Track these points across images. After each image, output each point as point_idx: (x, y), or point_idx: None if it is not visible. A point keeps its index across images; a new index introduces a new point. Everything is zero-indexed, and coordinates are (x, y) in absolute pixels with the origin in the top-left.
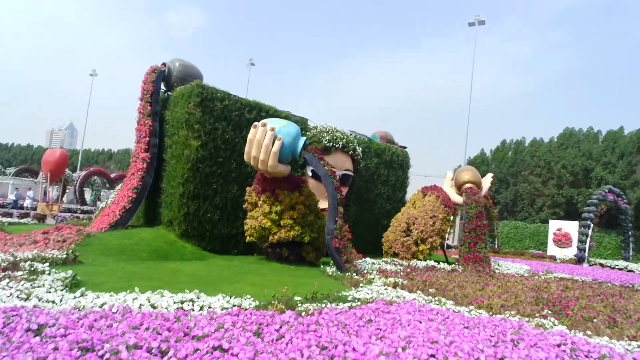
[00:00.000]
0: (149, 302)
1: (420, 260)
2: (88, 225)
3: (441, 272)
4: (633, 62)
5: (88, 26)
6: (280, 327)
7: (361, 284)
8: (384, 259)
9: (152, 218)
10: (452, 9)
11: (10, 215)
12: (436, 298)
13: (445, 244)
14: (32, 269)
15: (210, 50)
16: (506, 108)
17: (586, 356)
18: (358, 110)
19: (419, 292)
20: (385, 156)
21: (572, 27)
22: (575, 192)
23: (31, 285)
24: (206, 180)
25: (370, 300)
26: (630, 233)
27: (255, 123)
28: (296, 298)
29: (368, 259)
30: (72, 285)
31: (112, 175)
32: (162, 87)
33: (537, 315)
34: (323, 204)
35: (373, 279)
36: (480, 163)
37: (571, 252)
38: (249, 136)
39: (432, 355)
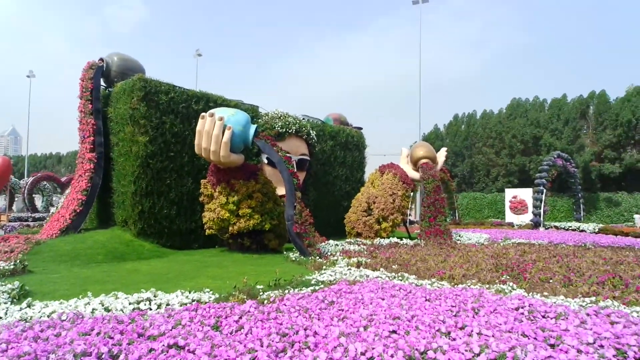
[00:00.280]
0: (103, 305)
1: (384, 238)
2: (38, 233)
3: (404, 248)
4: (572, 32)
5: (21, 25)
6: (240, 317)
7: (324, 267)
8: (347, 240)
9: (105, 219)
10: None
11: None
12: (399, 274)
13: (408, 220)
14: None
15: (155, 43)
16: (457, 84)
17: (543, 316)
18: (313, 98)
19: (382, 269)
20: (340, 138)
21: (514, 3)
22: (526, 160)
23: None
24: (158, 176)
25: (334, 282)
26: (579, 195)
27: (203, 114)
28: (258, 287)
29: (331, 241)
30: (21, 297)
31: (63, 179)
32: (102, 83)
33: (497, 281)
34: (281, 191)
35: (337, 260)
36: (435, 138)
37: (527, 217)
38: (198, 127)
39: (394, 331)
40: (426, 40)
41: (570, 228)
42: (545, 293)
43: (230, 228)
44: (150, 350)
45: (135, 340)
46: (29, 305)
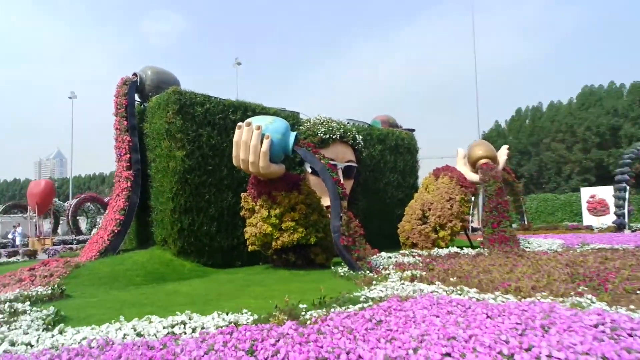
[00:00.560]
0: (135, 330)
1: (442, 247)
2: (78, 256)
3: (465, 259)
4: None
5: (64, 50)
6: (277, 341)
7: (375, 282)
8: (401, 252)
9: (145, 239)
10: None
11: None
12: (458, 287)
13: (470, 227)
14: (12, 310)
15: (194, 55)
16: (518, 74)
17: (630, 335)
18: (359, 101)
19: (438, 283)
20: (389, 141)
21: None
22: (604, 153)
23: (8, 328)
24: (197, 191)
25: (385, 298)
26: None
27: (240, 123)
28: (301, 306)
29: (383, 254)
30: (55, 323)
31: (107, 199)
32: (137, 98)
33: (572, 294)
34: (326, 201)
35: (389, 274)
36: (496, 136)
37: (609, 219)
38: (235, 138)
39: (448, 354)
40: (480, 28)
41: None
42: (632, 307)
43: (274, 243)
44: None
45: None
46: (60, 332)
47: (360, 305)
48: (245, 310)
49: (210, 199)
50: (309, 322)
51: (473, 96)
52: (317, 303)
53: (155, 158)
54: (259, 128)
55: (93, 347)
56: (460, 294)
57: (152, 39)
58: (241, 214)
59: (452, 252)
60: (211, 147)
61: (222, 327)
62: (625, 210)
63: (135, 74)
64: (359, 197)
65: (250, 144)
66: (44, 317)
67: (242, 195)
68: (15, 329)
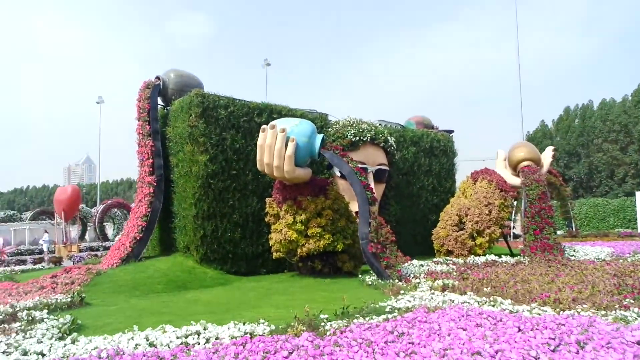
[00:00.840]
0: (147, 340)
1: (479, 255)
2: (97, 263)
3: (502, 267)
4: None
5: (90, 54)
6: (290, 353)
7: (403, 291)
8: (434, 259)
9: (167, 245)
10: None
11: (24, 262)
12: (491, 298)
13: (512, 234)
14: (30, 318)
15: (222, 56)
16: (566, 73)
17: None
18: (396, 100)
19: (470, 293)
20: (424, 143)
21: None
22: None
23: (23, 336)
24: (221, 196)
25: (412, 309)
26: None
27: (264, 126)
28: (323, 316)
29: (415, 261)
30: (71, 331)
31: (133, 205)
32: (160, 102)
33: (617, 306)
34: (355, 207)
35: (419, 283)
36: (541, 137)
37: None
38: (259, 141)
39: None
40: (524, 24)
41: None
42: None
43: (299, 250)
44: None
45: None
46: (73, 341)
47: (384, 316)
48: (262, 320)
49: (235, 205)
50: (329, 333)
51: (517, 96)
52: (339, 313)
53: (178, 163)
54: (283, 131)
55: (102, 358)
56: (493, 305)
57: (178, 40)
58: (266, 219)
59: (489, 261)
60: (235, 151)
61: (237, 337)
62: None
63: (157, 77)
64: (391, 202)
65: (274, 147)
66: (60, 325)
67: (267, 200)
68: (30, 337)
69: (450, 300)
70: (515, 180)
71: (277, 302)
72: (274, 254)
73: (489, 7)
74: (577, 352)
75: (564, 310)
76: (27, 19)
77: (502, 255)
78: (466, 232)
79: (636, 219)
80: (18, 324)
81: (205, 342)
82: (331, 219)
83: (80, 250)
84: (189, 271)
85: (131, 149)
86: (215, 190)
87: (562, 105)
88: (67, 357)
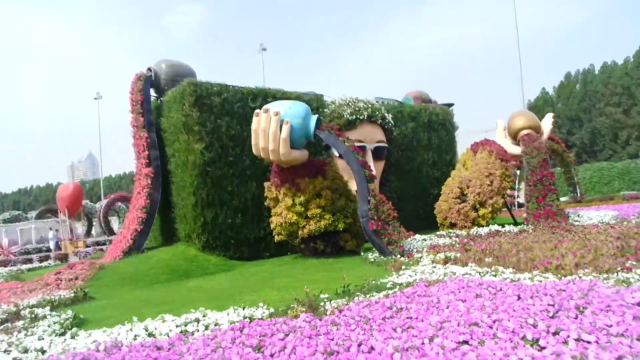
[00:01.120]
0: (146, 331)
1: (483, 226)
2: (102, 257)
3: (506, 237)
4: None
5: (88, 51)
6: (287, 335)
7: (405, 266)
8: (437, 233)
9: (169, 235)
10: None
11: (31, 261)
12: (493, 268)
13: (516, 203)
14: (33, 315)
15: (219, 44)
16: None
17: None
18: (395, 76)
19: (472, 264)
20: (422, 118)
21: None
22: None
23: (25, 334)
24: (219, 183)
25: (412, 283)
26: None
27: (257, 111)
28: (323, 296)
29: (418, 236)
30: (74, 326)
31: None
32: (153, 93)
33: (619, 269)
34: (355, 185)
35: (421, 257)
36: (542, 105)
37: None
38: (253, 126)
39: (465, 342)
40: None
41: None
42: None
43: (300, 232)
44: None
45: None
46: (73, 336)
47: (385, 293)
48: (261, 304)
49: (234, 191)
50: (329, 313)
51: (516, 63)
52: (340, 292)
53: (175, 153)
54: (277, 114)
55: (99, 351)
56: (494, 275)
57: (175, 32)
58: (266, 203)
59: (492, 231)
60: (231, 138)
61: (236, 322)
62: None
63: (149, 69)
64: (392, 178)
65: (269, 131)
66: (62, 321)
67: (266, 184)
68: (32, 335)
69: (452, 272)
70: (516, 149)
71: (279, 284)
72: (276, 237)
73: None
74: (576, 317)
75: (565, 276)
76: (27, 19)
77: (506, 225)
78: (468, 204)
79: None
80: (21, 322)
81: (205, 329)
82: (330, 199)
83: (87, 246)
84: (192, 259)
85: (131, 143)
86: (213, 178)
87: (563, 71)
88: (65, 352)
